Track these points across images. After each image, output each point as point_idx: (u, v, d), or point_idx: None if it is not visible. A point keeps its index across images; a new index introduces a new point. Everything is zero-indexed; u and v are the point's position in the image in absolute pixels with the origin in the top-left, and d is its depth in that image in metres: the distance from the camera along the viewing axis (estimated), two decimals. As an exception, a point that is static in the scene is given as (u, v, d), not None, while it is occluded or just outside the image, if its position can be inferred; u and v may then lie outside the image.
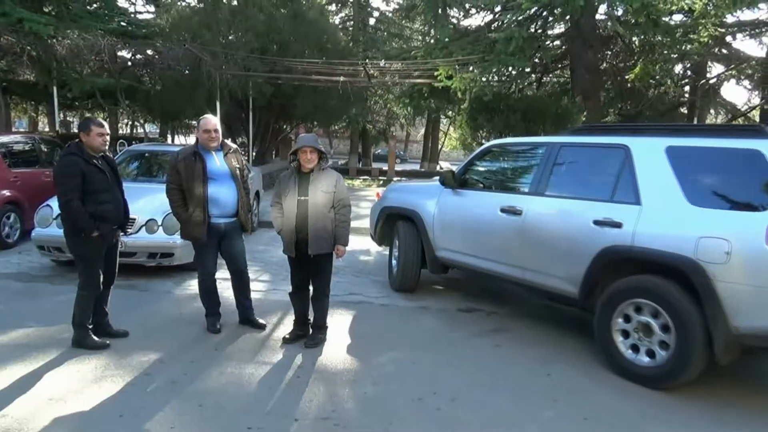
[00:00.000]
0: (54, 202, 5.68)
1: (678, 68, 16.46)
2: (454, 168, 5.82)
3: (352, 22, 26.60)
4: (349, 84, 15.87)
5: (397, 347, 4.53)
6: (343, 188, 4.45)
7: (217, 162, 4.62)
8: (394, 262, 6.22)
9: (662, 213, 3.80)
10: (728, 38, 15.22)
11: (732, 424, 3.42)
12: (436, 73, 13.33)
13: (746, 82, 16.96)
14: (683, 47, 11.93)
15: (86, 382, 3.70)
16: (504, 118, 12.72)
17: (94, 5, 17.95)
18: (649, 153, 4.03)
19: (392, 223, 6.28)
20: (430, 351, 4.46)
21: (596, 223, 4.12)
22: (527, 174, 5.02)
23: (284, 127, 20.51)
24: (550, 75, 18.43)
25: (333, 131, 32.26)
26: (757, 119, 17.25)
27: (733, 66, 15.27)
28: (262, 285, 6.13)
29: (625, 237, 3.91)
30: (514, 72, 13.33)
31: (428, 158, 29.72)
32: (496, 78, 14.29)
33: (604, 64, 16.97)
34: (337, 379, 3.89)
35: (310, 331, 4.61)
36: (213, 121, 4.67)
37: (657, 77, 14.88)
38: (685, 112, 18.11)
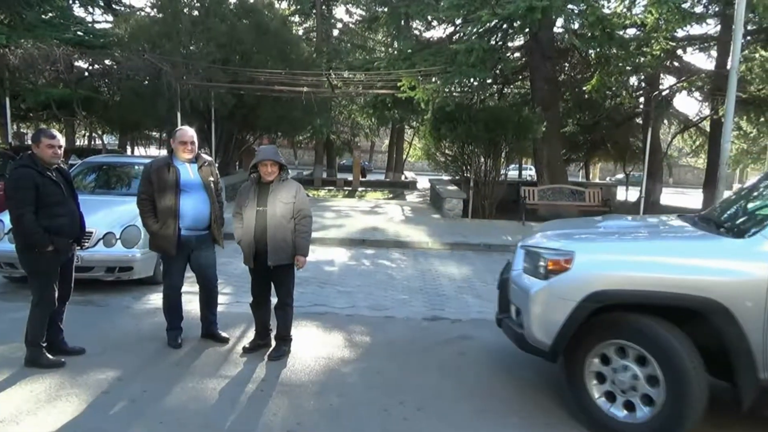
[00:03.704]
0: (5, 216, 5.49)
1: (633, 80, 17.02)
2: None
3: (315, 33, 26.61)
4: (313, 94, 15.86)
5: (362, 357, 4.51)
6: (304, 198, 4.44)
7: (191, 174, 4.55)
8: (616, 401, 3.36)
9: None
10: (679, 51, 15.83)
11: None
12: (399, 84, 13.46)
13: (697, 94, 17.66)
14: (637, 60, 12.34)
15: (40, 402, 3.56)
16: (466, 128, 12.93)
17: (50, 14, 17.51)
18: None
19: (620, 323, 3.32)
20: (395, 360, 4.46)
21: None
22: None
23: (247, 137, 20.32)
24: (511, 86, 18.84)
25: (297, 142, 32.12)
26: (708, 129, 17.93)
27: (684, 78, 15.86)
28: (224, 298, 6.03)
29: None
30: (475, 83, 13.57)
31: (393, 168, 29.87)
32: (458, 89, 14.53)
33: (563, 76, 17.46)
34: (302, 391, 3.86)
35: (273, 342, 4.57)
36: (189, 132, 4.60)
37: (613, 89, 15.34)
38: (640, 122, 18.72)
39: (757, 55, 12.45)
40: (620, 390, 3.26)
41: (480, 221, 12.87)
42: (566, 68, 17.64)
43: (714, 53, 16.50)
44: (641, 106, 17.77)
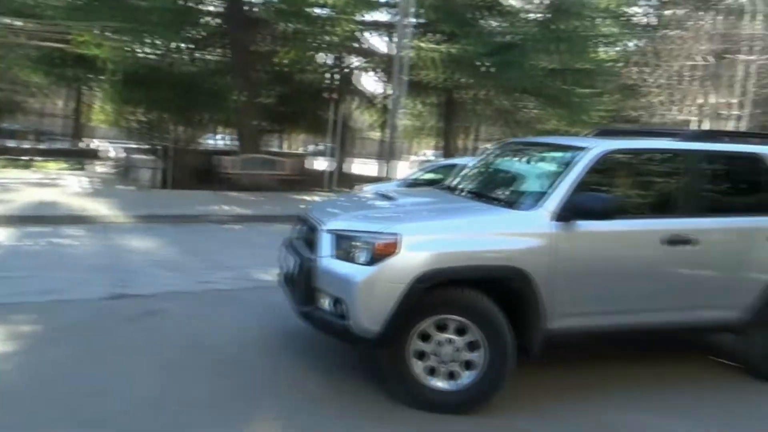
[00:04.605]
0: None
1: (324, 57, 18.21)
2: (553, 191, 3.65)
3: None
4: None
5: (27, 350, 3.94)
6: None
7: None
8: (440, 369, 3.46)
9: None
10: (367, 35, 17.52)
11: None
12: (79, 39, 11.79)
13: (378, 74, 19.85)
14: (326, 38, 13.21)
15: None
16: (159, 94, 12.13)
17: None
18: None
19: (443, 299, 3.45)
20: (69, 347, 4.01)
21: None
22: (674, 192, 4.04)
23: None
24: (206, 52, 18.21)
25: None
26: (387, 107, 20.29)
27: (367, 59, 17.61)
28: None
29: None
30: (164, 44, 12.74)
31: (78, 135, 26.29)
32: (149, 50, 13.47)
33: (260, 47, 17.63)
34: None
35: None
36: None
37: (306, 64, 16.18)
38: (330, 97, 20.18)
39: (422, 44, 14.47)
40: (443, 362, 3.38)
41: (177, 192, 12.33)
42: (263, 39, 17.85)
43: (396, 39, 18.68)
44: (331, 83, 19.15)
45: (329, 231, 3.54)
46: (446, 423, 3.29)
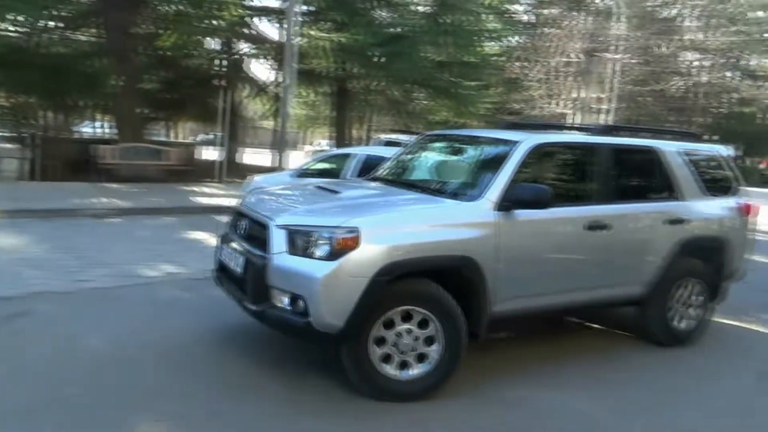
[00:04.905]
0: None
1: (211, 42, 17.49)
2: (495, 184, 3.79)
3: None
4: None
5: None
6: None
7: None
8: (411, 362, 3.51)
9: None
10: (256, 20, 17.01)
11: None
12: None
13: (268, 62, 19.40)
14: (212, 23, 12.68)
15: None
16: (24, 76, 11.06)
17: None
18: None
19: (402, 290, 3.46)
20: None
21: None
22: (592, 182, 4.37)
23: None
24: (80, 32, 16.84)
25: None
26: (279, 95, 19.91)
27: (256, 46, 17.15)
28: None
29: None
30: (29, 21, 11.62)
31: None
32: (11, 27, 12.23)
33: (140, 29, 16.59)
34: None
35: None
36: None
37: (192, 48, 15.44)
38: (220, 84, 19.45)
39: (312, 32, 14.33)
40: (402, 352, 3.41)
41: (48, 184, 11.35)
42: (143, 21, 16.80)
43: (277, 26, 18.31)
44: (220, 69, 18.45)
45: (281, 226, 3.41)
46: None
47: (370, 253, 3.23)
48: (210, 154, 21.48)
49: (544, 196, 3.69)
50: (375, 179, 4.82)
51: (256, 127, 37.16)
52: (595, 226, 4.13)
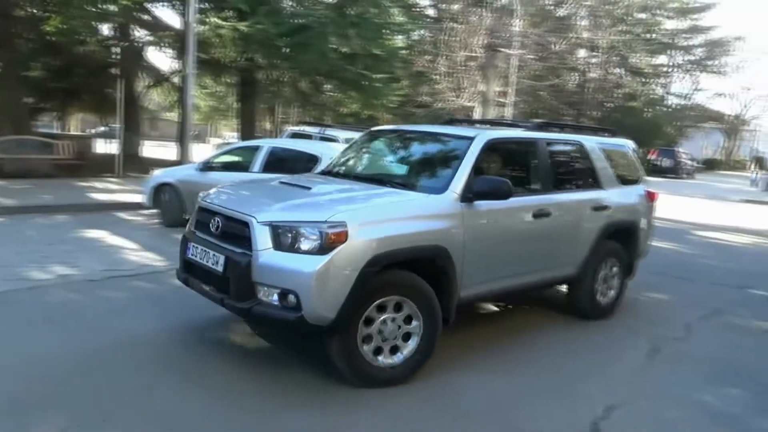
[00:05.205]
0: None
1: (105, 29, 16.48)
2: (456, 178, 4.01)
3: None
4: None
5: None
6: None
7: None
8: (396, 354, 3.70)
9: None
10: (153, 6, 16.14)
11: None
12: None
13: (169, 50, 18.52)
14: (103, 6, 11.93)
15: None
16: None
17: None
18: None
19: (385, 281, 3.58)
20: None
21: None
22: (535, 173, 4.77)
23: None
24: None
25: None
26: (178, 82, 19.07)
27: (153, 33, 16.32)
28: None
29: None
30: None
31: None
32: None
33: (22, 12, 15.31)
34: None
35: None
36: None
37: (84, 34, 14.45)
38: (117, 73, 18.39)
39: (213, 20, 13.80)
40: (386, 339, 3.58)
41: None
42: (25, 3, 15.50)
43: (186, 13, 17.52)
44: (116, 57, 17.44)
45: (265, 223, 3.42)
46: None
47: (358, 246, 3.34)
48: (109, 147, 20.31)
49: (505, 187, 3.98)
50: (330, 174, 4.90)
51: (159, 119, 35.49)
52: (540, 214, 4.55)
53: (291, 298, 3.28)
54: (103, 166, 14.17)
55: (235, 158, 8.57)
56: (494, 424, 3.26)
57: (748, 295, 6.63)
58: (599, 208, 5.10)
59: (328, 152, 7.75)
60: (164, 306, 4.93)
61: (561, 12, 31.62)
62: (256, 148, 8.20)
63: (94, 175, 13.41)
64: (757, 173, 28.35)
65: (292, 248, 3.34)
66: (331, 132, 11.15)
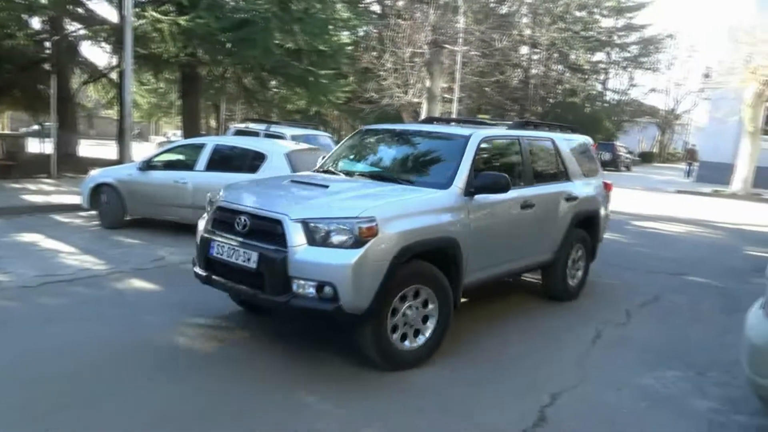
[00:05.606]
0: None
1: (36, 22, 15.67)
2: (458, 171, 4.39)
3: None
4: None
5: None
6: None
7: None
8: (409, 340, 4.03)
9: None
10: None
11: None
12: None
13: (105, 45, 17.78)
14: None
15: None
16: None
17: None
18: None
19: (410, 271, 3.90)
20: None
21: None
22: (521, 168, 5.16)
23: None
24: None
25: None
26: (116, 78, 18.36)
27: (88, 27, 15.62)
28: None
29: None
30: None
31: None
32: None
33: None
34: None
35: None
36: None
37: (12, 27, 13.70)
38: (49, 68, 17.53)
39: (148, 14, 13.30)
40: (409, 324, 3.90)
41: None
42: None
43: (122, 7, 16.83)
44: (48, 52, 16.62)
45: (297, 220, 3.62)
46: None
47: (387, 239, 3.61)
48: (43, 146, 19.35)
49: (504, 181, 4.31)
50: (329, 172, 5.01)
51: (97, 117, 34.06)
52: (526, 205, 4.99)
53: (327, 289, 3.50)
54: (36, 167, 13.51)
55: (178, 156, 8.33)
56: (447, 419, 3.30)
57: (685, 281, 6.97)
58: (570, 198, 5.58)
59: (275, 149, 7.65)
60: (106, 311, 4.74)
61: (503, 9, 32.28)
62: (200, 146, 7.99)
63: (27, 176, 12.77)
64: (689, 165, 29.73)
65: (327, 243, 3.58)
66: (277, 129, 11.01)
